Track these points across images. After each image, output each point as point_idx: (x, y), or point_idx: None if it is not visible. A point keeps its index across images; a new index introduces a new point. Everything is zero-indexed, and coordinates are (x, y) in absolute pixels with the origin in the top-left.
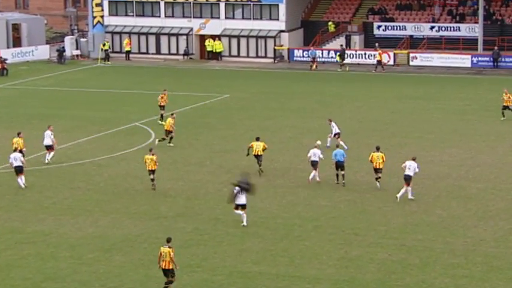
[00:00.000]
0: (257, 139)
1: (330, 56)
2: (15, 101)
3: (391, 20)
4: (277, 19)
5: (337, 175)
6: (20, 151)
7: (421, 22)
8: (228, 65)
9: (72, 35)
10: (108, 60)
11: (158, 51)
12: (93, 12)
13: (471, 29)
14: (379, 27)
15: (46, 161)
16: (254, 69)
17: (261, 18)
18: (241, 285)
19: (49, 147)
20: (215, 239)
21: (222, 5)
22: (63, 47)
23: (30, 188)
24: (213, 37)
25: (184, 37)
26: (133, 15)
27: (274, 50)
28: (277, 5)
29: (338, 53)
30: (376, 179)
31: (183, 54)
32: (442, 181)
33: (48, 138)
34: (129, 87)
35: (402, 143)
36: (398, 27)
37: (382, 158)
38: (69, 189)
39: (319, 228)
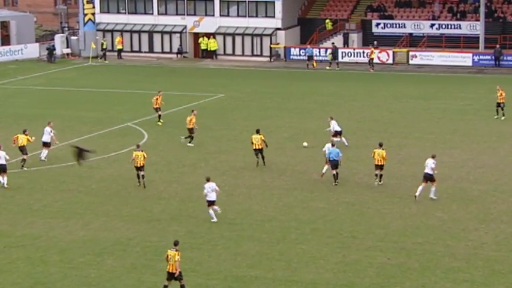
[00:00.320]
0: (257, 131)
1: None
2: (4, 100)
3: (390, 17)
4: (273, 16)
5: (334, 175)
6: (22, 148)
7: (421, 20)
8: (223, 64)
9: (63, 33)
10: (105, 59)
11: (151, 50)
12: (84, 9)
13: (472, 27)
14: (377, 24)
15: (42, 158)
16: (249, 68)
17: (256, 16)
18: None
19: (46, 144)
20: (210, 242)
21: (217, 2)
22: (53, 45)
23: (19, 190)
24: (208, 35)
25: (178, 35)
26: (125, 13)
27: (270, 48)
28: (273, 2)
29: (330, 51)
30: (376, 176)
31: (177, 53)
32: (443, 183)
33: (47, 135)
34: (121, 87)
35: (401, 143)
36: (397, 25)
37: (384, 154)
38: (59, 192)
39: (317, 231)
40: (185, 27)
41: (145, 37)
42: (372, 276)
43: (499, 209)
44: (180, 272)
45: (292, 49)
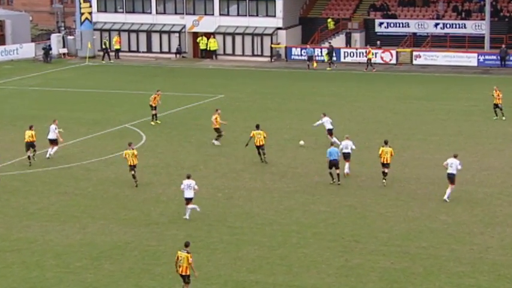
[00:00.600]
0: (257, 127)
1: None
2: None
3: (394, 16)
4: (274, 16)
5: (331, 174)
6: (32, 144)
7: (425, 19)
8: (223, 64)
9: (59, 32)
10: (110, 59)
11: (149, 50)
12: (80, 8)
13: (477, 26)
14: (380, 24)
15: (48, 156)
16: (250, 68)
17: (257, 15)
18: None
19: (53, 141)
20: (209, 246)
21: (216, 1)
22: (50, 45)
23: (15, 193)
24: (207, 34)
25: (177, 34)
26: (123, 12)
27: (271, 48)
28: (274, 1)
29: (326, 52)
30: (383, 173)
31: (176, 53)
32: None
33: (53, 133)
34: (119, 87)
35: (405, 145)
36: (401, 24)
37: (391, 152)
38: (55, 194)
39: (318, 235)
40: (184, 26)
41: (143, 37)
42: (374, 281)
43: (505, 212)
44: (189, 275)
45: (294, 49)
